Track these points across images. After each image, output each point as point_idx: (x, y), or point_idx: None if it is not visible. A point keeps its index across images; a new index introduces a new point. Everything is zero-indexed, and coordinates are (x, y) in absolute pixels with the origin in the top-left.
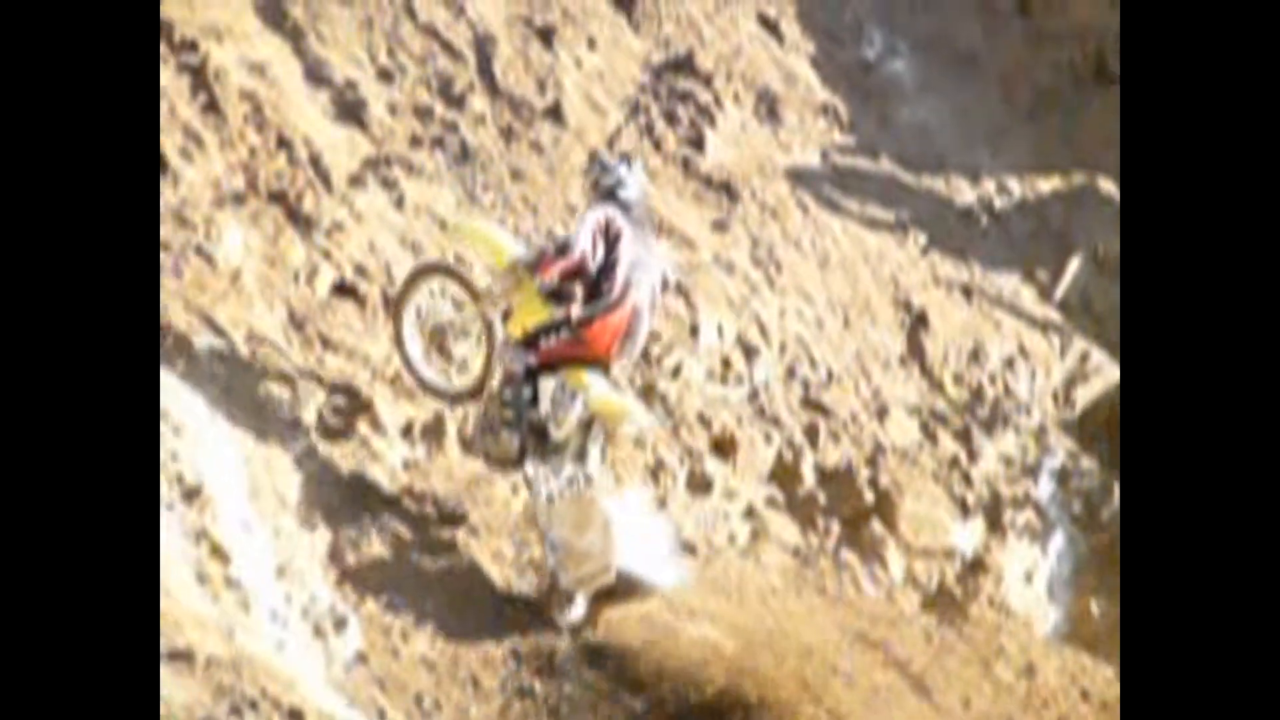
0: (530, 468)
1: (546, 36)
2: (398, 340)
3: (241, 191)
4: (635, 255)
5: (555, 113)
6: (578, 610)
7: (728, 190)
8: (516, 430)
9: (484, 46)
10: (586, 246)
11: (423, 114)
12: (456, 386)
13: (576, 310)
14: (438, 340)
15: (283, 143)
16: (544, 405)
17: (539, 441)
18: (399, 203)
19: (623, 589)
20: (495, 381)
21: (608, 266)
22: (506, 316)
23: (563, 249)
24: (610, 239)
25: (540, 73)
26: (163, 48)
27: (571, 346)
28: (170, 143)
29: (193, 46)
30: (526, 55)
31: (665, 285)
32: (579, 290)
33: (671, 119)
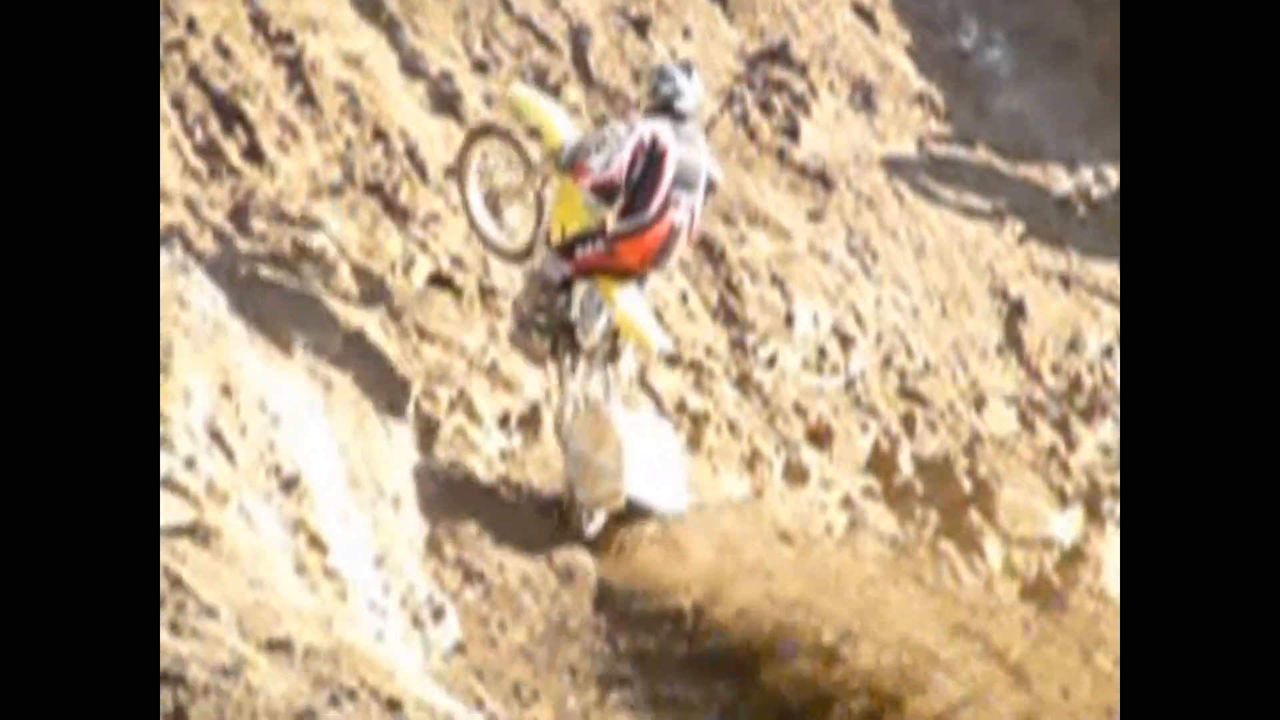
0: (558, 375)
1: (642, 27)
2: (464, 199)
3: (338, 183)
4: (680, 172)
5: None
6: (596, 525)
7: (823, 180)
8: (548, 335)
9: (579, 37)
10: (624, 164)
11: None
12: (510, 248)
13: (612, 224)
14: (493, 201)
15: (379, 134)
16: (574, 310)
17: (569, 345)
18: None
19: (631, 515)
20: (537, 261)
21: (648, 184)
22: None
23: (601, 152)
24: (654, 156)
25: (635, 63)
26: (259, 40)
27: (605, 258)
28: (267, 135)
29: (289, 39)
30: (621, 46)
31: (711, 189)
32: (619, 198)
33: (766, 109)
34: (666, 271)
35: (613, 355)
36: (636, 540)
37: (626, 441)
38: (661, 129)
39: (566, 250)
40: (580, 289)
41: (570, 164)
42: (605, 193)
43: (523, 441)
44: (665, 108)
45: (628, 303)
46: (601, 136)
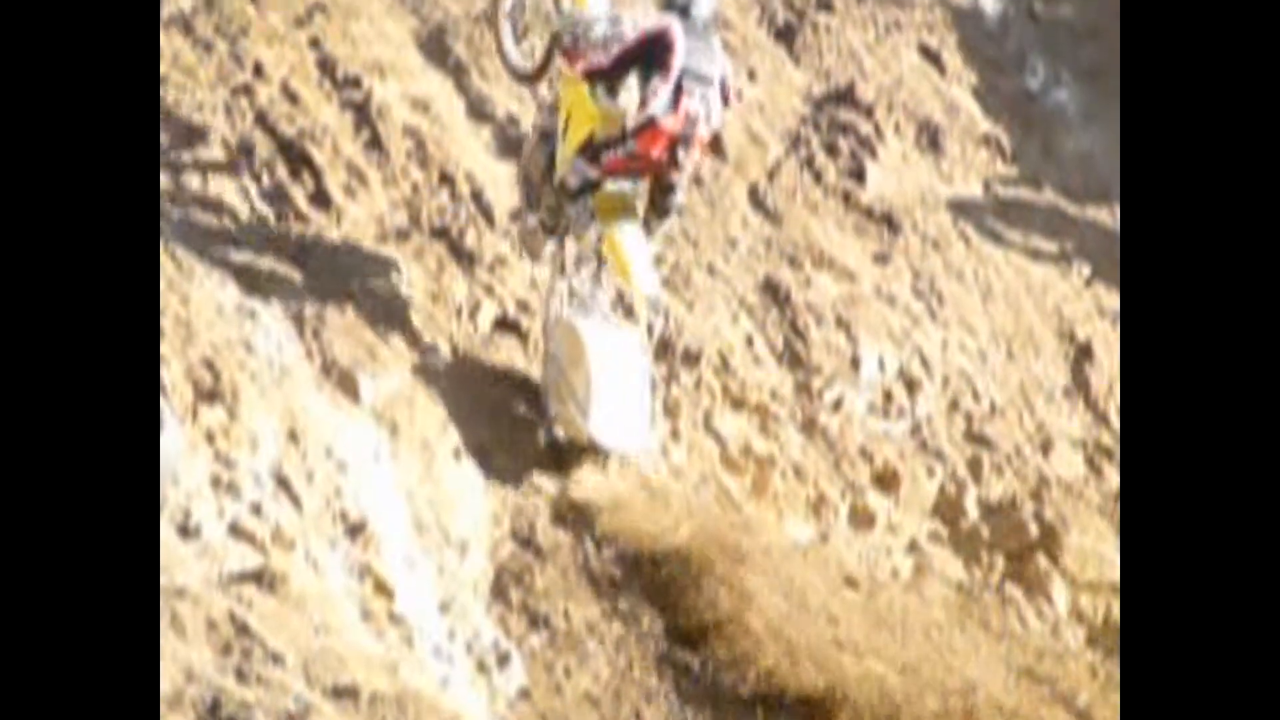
0: (550, 278)
1: None
2: (496, 34)
3: (405, 227)
4: (691, 66)
5: (715, 145)
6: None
7: (889, 222)
8: (551, 237)
9: None
10: (614, 54)
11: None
12: (523, 69)
13: (630, 121)
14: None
15: (445, 179)
16: (569, 213)
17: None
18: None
19: (593, 454)
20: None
21: (658, 75)
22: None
23: (599, 48)
24: (662, 47)
25: None
26: (326, 85)
27: (630, 160)
28: (334, 180)
29: (356, 83)
30: None
31: (726, 97)
32: (607, 84)
33: (832, 151)
34: (732, 313)
35: (596, 279)
36: (702, 585)
37: (596, 374)
38: (668, 26)
39: (593, 155)
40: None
41: (571, 43)
42: (594, 77)
43: (588, 487)
44: (683, 12)
45: (624, 236)
46: (606, 35)
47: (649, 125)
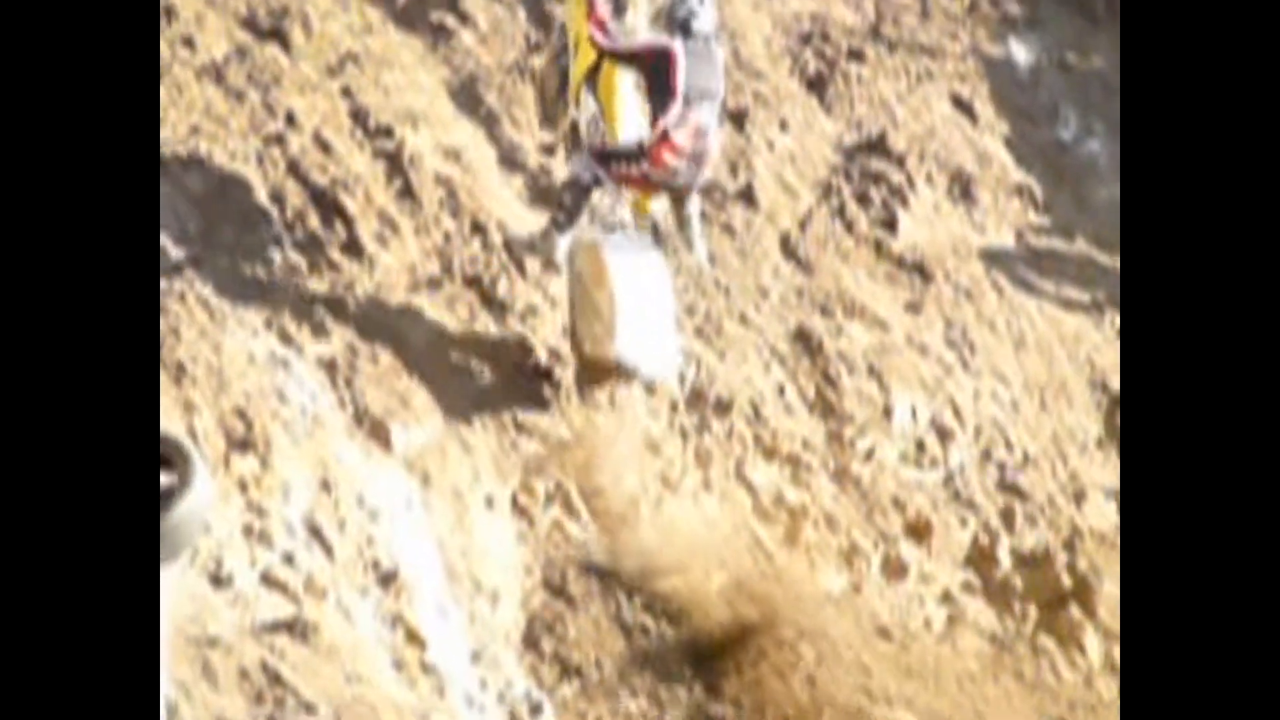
0: (569, 194)
1: (739, 119)
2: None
3: (437, 276)
4: (694, 81)
5: (747, 195)
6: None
7: (921, 271)
8: (564, 232)
9: None
10: (627, 47)
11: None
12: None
13: (646, 135)
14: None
15: (477, 228)
16: (583, 122)
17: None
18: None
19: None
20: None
21: (665, 90)
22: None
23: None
24: (666, 60)
25: (732, 155)
26: (358, 134)
27: (644, 178)
28: (366, 229)
29: (388, 133)
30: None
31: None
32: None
33: (864, 200)
34: (763, 362)
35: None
36: (734, 636)
37: (621, 295)
38: (670, 43)
39: (603, 158)
40: (589, 106)
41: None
42: (602, 51)
43: (620, 537)
44: (684, 29)
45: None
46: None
47: (663, 140)
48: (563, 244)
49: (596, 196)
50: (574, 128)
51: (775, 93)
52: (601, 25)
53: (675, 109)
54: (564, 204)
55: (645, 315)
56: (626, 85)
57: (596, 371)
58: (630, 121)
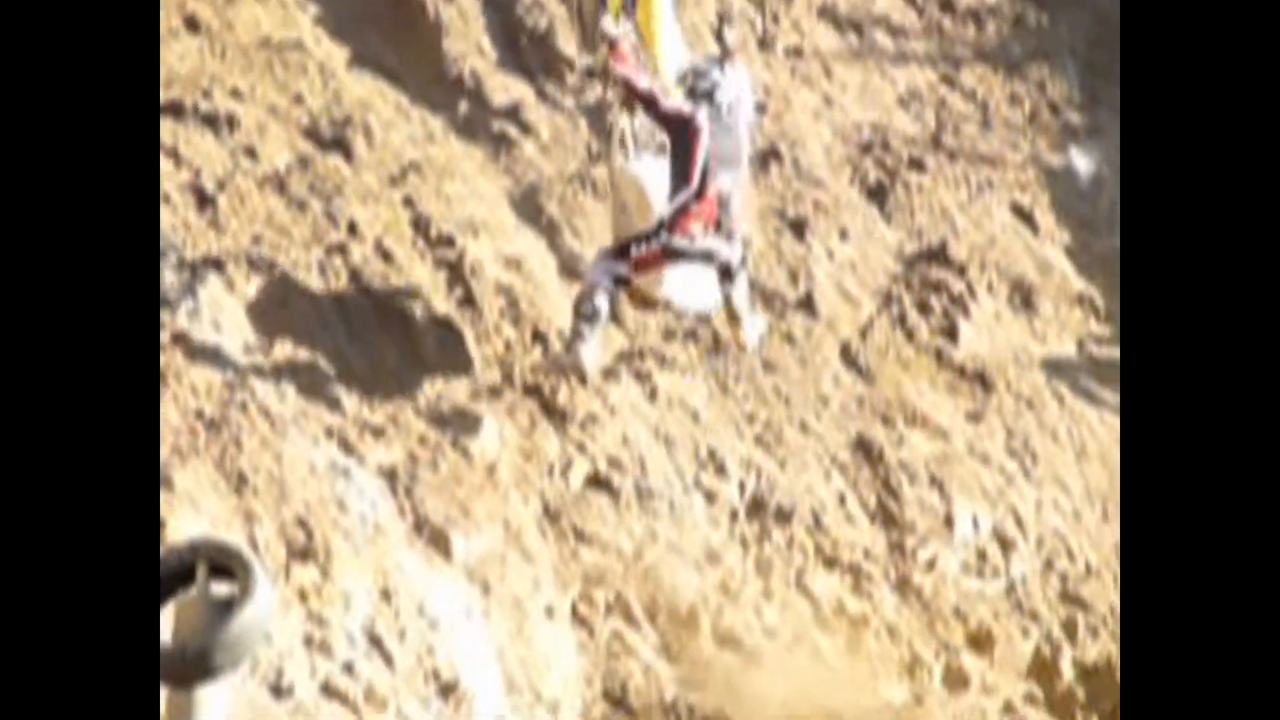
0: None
1: (799, 228)
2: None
3: (497, 385)
4: (716, 150)
5: (807, 303)
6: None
7: (982, 381)
8: (587, 342)
9: None
10: (650, 94)
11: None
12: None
13: (667, 207)
14: None
15: (538, 336)
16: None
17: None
18: (652, 395)
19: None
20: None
21: (684, 160)
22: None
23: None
24: (688, 131)
25: (792, 264)
26: (420, 243)
27: (663, 252)
28: (427, 338)
29: (449, 242)
30: (779, 247)
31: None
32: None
33: (924, 309)
34: (824, 471)
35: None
36: None
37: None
38: (694, 112)
39: (621, 251)
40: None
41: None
42: (629, 90)
43: (680, 647)
44: (708, 100)
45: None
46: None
47: (682, 211)
48: (587, 353)
49: (633, 130)
50: (613, 49)
51: (835, 201)
52: (623, 58)
53: (694, 182)
54: (583, 313)
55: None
56: (666, 12)
57: (642, 303)
58: (671, 51)
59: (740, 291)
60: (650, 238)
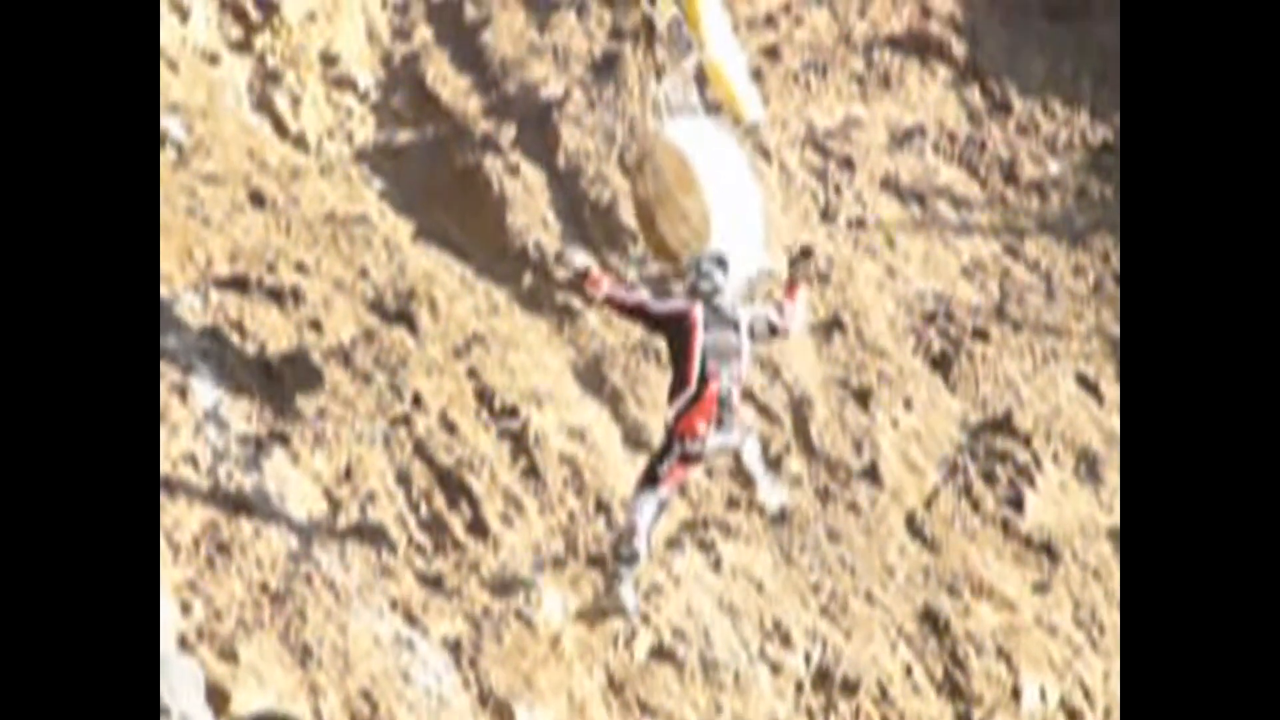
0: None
1: (863, 398)
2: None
3: (561, 555)
4: (713, 345)
5: (872, 473)
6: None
7: (1048, 551)
8: (625, 584)
9: (800, 408)
10: (639, 305)
11: (739, 478)
12: None
13: (670, 413)
14: None
15: (601, 507)
16: (662, 24)
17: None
18: (716, 565)
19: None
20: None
21: (683, 361)
22: None
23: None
24: (684, 330)
25: (856, 434)
26: (483, 415)
27: (685, 461)
28: (491, 509)
29: (513, 413)
30: (843, 416)
31: (774, 331)
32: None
33: (990, 479)
34: (890, 642)
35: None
36: None
37: (716, 209)
38: (689, 308)
39: (650, 478)
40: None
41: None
42: (612, 305)
43: None
44: (707, 298)
45: (721, 54)
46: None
47: (685, 412)
48: (627, 595)
49: (665, 88)
50: (648, 26)
51: (900, 371)
52: (598, 283)
53: (694, 377)
54: (622, 556)
55: (737, 221)
56: None
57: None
58: (716, 28)
59: (751, 454)
60: (667, 453)
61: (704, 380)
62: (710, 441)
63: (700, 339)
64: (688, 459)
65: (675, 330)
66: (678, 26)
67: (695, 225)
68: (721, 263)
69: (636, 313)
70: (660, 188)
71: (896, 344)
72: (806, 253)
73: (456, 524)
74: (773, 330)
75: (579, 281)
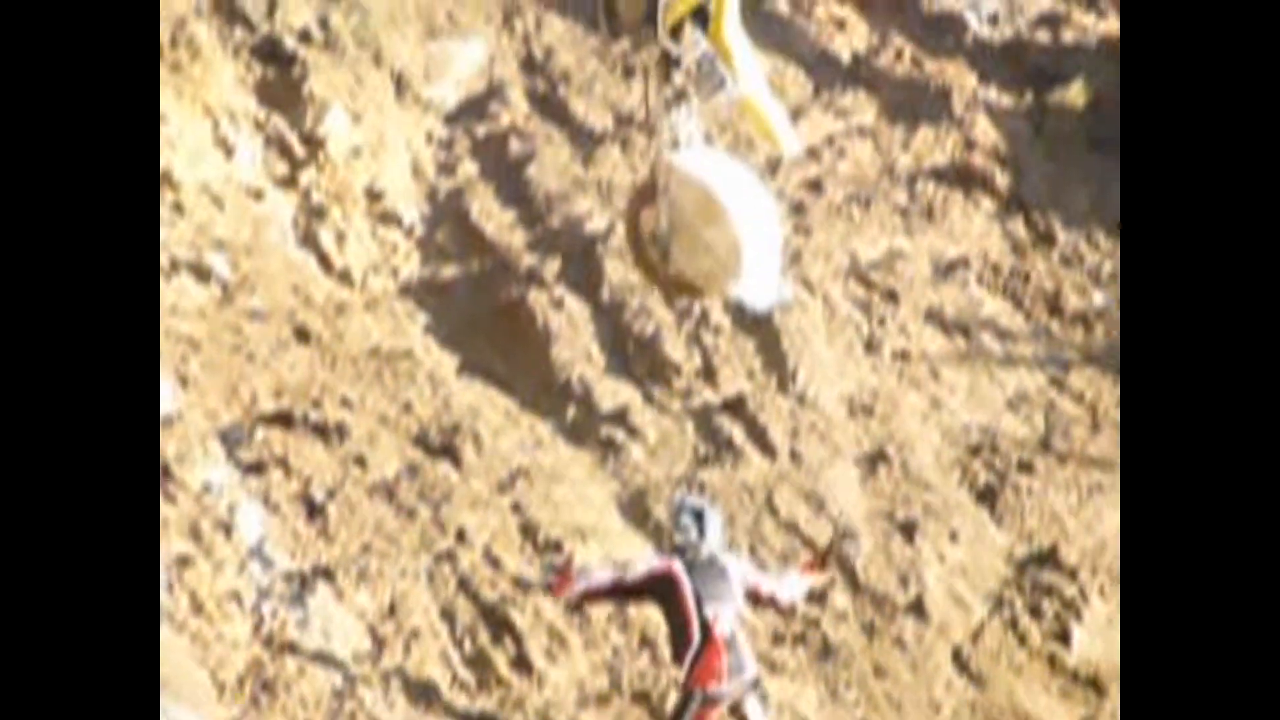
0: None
1: (909, 530)
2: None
3: (605, 692)
4: (704, 591)
5: (918, 607)
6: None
7: (1095, 686)
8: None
9: (845, 541)
10: (615, 583)
11: (785, 613)
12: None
13: (680, 673)
14: None
15: (645, 642)
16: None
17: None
18: (762, 701)
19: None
20: None
21: (677, 617)
22: None
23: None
24: (667, 588)
25: (902, 567)
26: (528, 549)
27: (706, 709)
28: (536, 645)
29: (558, 547)
30: (888, 550)
31: (757, 597)
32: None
33: (1036, 613)
34: None
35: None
36: None
37: (746, 244)
38: (669, 564)
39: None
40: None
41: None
42: (590, 597)
43: None
44: (684, 552)
45: (754, 86)
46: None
47: (696, 664)
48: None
49: (675, 120)
50: (666, 60)
51: (945, 504)
52: (569, 579)
53: (695, 631)
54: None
55: (762, 256)
56: (735, 22)
57: (691, 295)
58: (746, 61)
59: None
60: (684, 710)
61: (706, 628)
62: (730, 683)
63: (689, 590)
64: (708, 702)
65: (662, 591)
66: (710, 61)
67: (722, 258)
68: (699, 516)
69: (617, 591)
70: (678, 220)
71: (942, 477)
72: (845, 536)
73: (500, 660)
74: (758, 600)
75: (548, 590)
